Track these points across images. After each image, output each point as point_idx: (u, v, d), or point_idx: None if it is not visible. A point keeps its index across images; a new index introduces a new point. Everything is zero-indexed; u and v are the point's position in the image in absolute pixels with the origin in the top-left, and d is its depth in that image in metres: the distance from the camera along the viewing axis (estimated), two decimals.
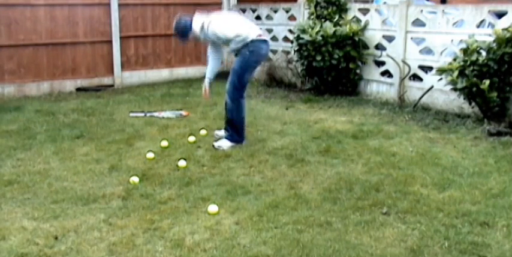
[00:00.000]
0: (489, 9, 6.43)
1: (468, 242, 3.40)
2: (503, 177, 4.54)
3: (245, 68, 5.38)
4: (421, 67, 7.20)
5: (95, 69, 9.04)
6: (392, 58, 7.43)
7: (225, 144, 5.45)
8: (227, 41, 5.35)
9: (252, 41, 5.30)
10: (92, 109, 7.33)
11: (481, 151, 5.27)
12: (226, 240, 3.47)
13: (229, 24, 5.36)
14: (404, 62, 7.33)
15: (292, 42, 8.23)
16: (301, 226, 3.65)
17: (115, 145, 5.62)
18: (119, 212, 3.92)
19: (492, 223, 3.67)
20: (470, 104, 6.30)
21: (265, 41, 5.45)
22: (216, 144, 5.46)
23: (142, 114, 6.94)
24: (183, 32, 5.48)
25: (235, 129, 5.47)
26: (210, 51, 5.68)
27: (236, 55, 5.51)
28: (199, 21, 5.38)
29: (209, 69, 5.71)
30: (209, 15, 5.49)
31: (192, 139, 5.68)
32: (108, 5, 8.91)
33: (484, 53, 5.98)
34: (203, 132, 5.94)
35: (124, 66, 9.24)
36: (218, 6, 10.13)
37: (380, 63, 7.74)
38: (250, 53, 5.32)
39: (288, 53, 8.92)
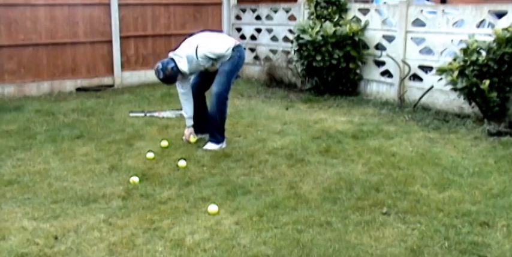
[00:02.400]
0: (489, 9, 6.43)
1: (468, 242, 3.41)
2: (503, 177, 4.54)
3: (234, 71, 5.46)
4: (421, 67, 7.20)
5: (95, 69, 9.04)
6: (392, 58, 7.43)
7: (212, 147, 5.45)
8: (219, 58, 5.36)
9: (235, 47, 5.42)
10: (92, 109, 7.33)
11: (481, 151, 5.27)
12: (226, 240, 3.47)
13: (217, 42, 5.43)
14: (404, 62, 7.33)
15: (292, 42, 8.22)
16: (301, 226, 3.65)
17: (115, 145, 5.62)
18: (118, 212, 3.92)
19: (492, 223, 3.67)
20: (470, 104, 6.30)
21: (241, 46, 5.59)
22: (204, 148, 5.45)
23: (142, 114, 6.94)
24: (173, 77, 5.28)
25: (218, 129, 5.49)
26: (182, 90, 5.42)
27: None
28: (184, 58, 5.25)
29: (188, 109, 5.46)
30: (185, 46, 5.38)
31: (192, 139, 5.67)
32: (108, 5, 8.91)
33: (484, 53, 5.97)
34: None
35: (124, 66, 9.24)
36: (218, 6, 10.13)
37: (380, 63, 7.74)
38: (238, 58, 5.45)
39: (288, 53, 8.92)
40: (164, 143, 5.53)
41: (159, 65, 5.31)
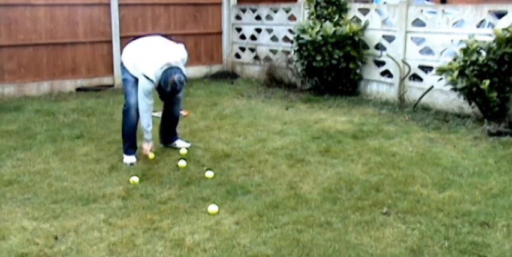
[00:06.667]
0: (489, 9, 6.43)
1: (468, 242, 3.41)
2: (503, 177, 4.54)
3: None
4: (421, 67, 7.20)
5: (95, 69, 9.03)
6: (392, 58, 7.43)
7: (186, 143, 5.54)
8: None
9: None
10: (92, 109, 7.33)
11: (481, 151, 5.28)
12: (226, 240, 3.47)
13: None
14: (404, 62, 7.33)
15: (292, 42, 8.22)
16: (301, 226, 3.65)
17: (115, 145, 5.62)
18: (118, 212, 3.92)
19: (492, 223, 3.67)
20: (470, 104, 6.30)
21: None
22: (186, 146, 5.45)
23: None
24: None
25: None
26: (151, 102, 5.00)
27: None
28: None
29: (151, 121, 5.05)
30: (173, 54, 5.03)
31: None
32: (108, 5, 8.91)
33: (484, 53, 5.98)
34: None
35: None
36: (218, 6, 10.13)
37: (380, 63, 7.74)
38: None
39: (288, 53, 8.92)
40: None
41: (181, 76, 4.80)
